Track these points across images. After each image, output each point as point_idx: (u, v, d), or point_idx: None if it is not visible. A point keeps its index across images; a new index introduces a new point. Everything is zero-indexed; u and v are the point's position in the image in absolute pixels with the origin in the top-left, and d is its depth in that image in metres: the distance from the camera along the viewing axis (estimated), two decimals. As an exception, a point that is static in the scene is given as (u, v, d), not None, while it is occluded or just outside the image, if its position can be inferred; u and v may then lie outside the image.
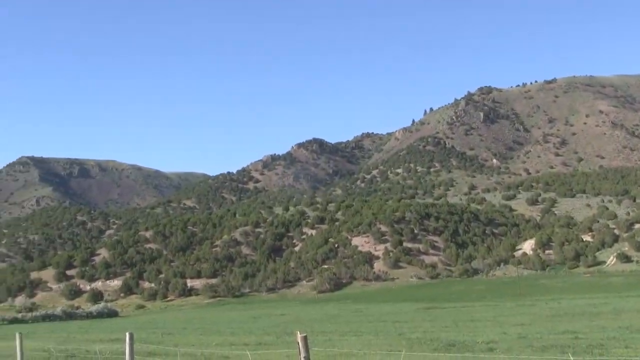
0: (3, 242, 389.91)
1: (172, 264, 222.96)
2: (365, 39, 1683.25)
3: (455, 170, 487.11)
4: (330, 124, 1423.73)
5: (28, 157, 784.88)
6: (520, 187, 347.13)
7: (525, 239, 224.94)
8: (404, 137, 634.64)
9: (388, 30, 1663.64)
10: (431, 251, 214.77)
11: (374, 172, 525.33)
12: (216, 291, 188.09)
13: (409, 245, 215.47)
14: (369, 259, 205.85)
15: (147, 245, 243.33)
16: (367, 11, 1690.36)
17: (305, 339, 13.62)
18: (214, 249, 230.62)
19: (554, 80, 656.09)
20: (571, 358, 25.25)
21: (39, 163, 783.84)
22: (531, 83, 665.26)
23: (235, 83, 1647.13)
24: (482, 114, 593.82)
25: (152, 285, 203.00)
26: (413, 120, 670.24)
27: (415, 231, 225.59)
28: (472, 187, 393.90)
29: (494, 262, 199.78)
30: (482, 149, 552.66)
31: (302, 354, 13.50)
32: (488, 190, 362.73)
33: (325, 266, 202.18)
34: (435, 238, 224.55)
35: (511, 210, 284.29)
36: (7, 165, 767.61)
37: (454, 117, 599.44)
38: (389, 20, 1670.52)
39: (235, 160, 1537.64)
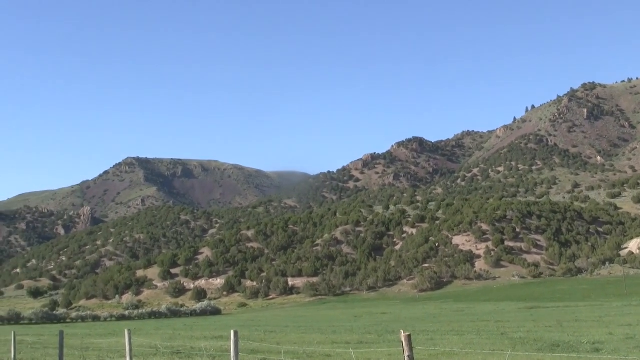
0: (110, 241, 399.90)
1: (273, 262, 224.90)
2: (465, 35, 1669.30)
3: (558, 168, 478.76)
4: (430, 123, 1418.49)
5: (134, 158, 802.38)
6: (625, 185, 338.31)
7: (632, 238, 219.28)
8: (505, 135, 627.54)
9: (489, 26, 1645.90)
10: (533, 250, 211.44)
11: (475, 170, 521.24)
12: (317, 290, 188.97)
13: (511, 244, 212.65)
14: (470, 257, 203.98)
15: (249, 245, 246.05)
16: (468, 6, 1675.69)
17: (409, 337, 13.68)
18: (314, 248, 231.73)
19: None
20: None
21: (144, 164, 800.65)
22: (637, 78, 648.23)
23: (334, 82, 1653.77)
24: (585, 111, 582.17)
25: (254, 283, 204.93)
26: (514, 118, 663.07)
27: (517, 230, 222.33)
28: (576, 185, 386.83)
29: (598, 261, 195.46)
30: (585, 146, 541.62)
31: (406, 353, 13.56)
32: (592, 188, 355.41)
33: (426, 265, 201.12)
34: (538, 237, 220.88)
35: (616, 208, 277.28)
36: (114, 166, 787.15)
37: (556, 114, 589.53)
38: (490, 15, 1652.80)
39: (336, 159, 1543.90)
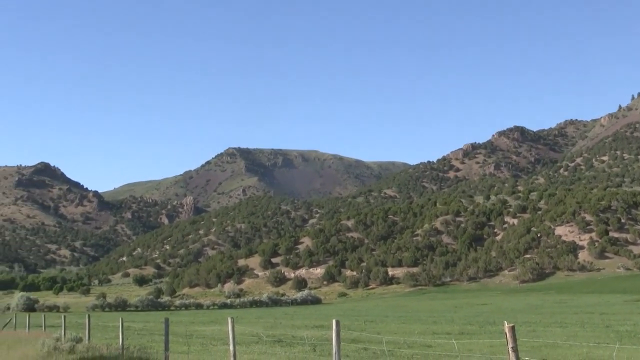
0: (212, 230, 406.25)
1: (373, 252, 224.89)
2: (566, 22, 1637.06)
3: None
4: (532, 111, 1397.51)
5: (235, 149, 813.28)
6: None
7: None
8: (610, 124, 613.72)
9: (592, 10, 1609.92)
10: (639, 241, 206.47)
11: (578, 159, 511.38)
12: (417, 280, 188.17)
13: (616, 235, 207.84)
14: (573, 248, 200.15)
15: (349, 234, 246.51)
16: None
17: (512, 329, 13.62)
18: (414, 238, 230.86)
19: None
20: None
21: (245, 154, 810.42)
22: None
23: (434, 71, 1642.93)
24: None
25: (354, 273, 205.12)
26: (619, 106, 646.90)
27: (622, 220, 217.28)
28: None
29: None
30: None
31: (510, 344, 13.51)
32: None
33: (528, 256, 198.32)
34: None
35: None
36: (216, 157, 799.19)
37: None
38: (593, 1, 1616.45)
39: (436, 149, 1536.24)
